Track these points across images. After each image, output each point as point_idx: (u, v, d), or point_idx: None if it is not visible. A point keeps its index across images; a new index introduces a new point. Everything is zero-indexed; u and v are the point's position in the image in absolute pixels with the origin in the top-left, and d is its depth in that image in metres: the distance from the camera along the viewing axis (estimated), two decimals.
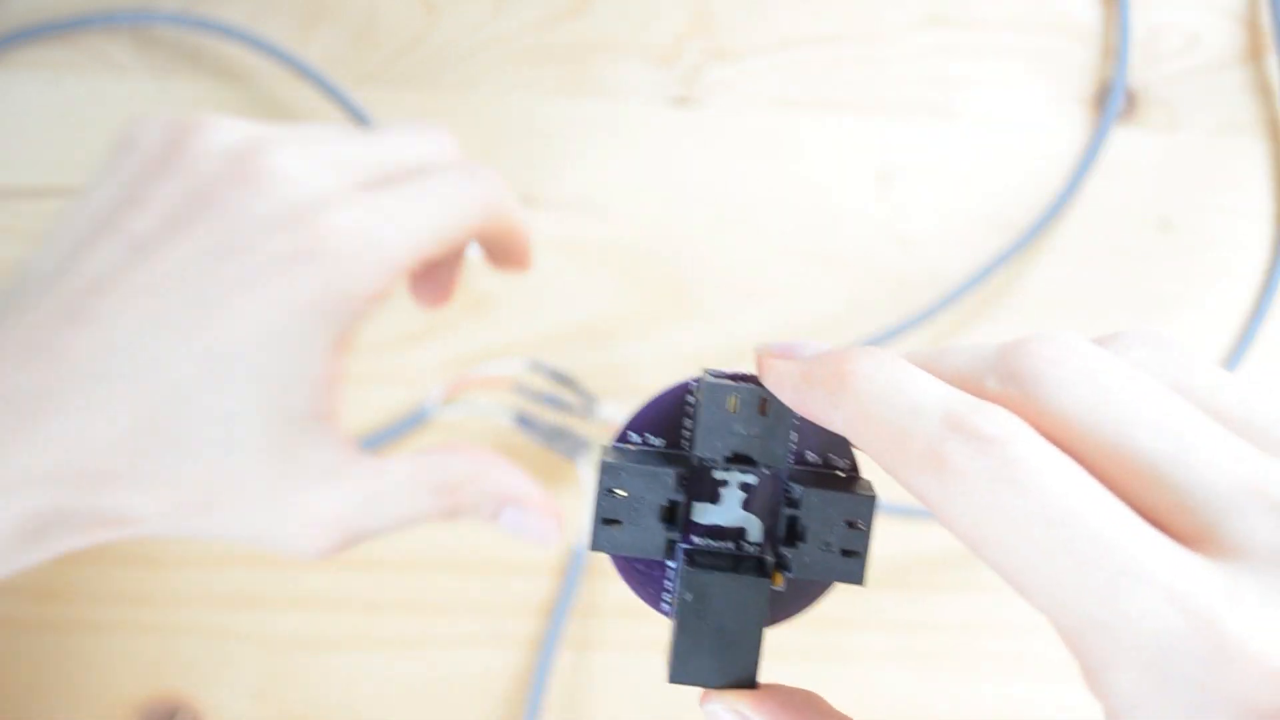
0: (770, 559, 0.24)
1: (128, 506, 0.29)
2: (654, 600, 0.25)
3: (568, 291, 0.46)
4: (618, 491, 0.24)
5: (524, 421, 0.45)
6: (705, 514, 0.24)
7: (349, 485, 0.30)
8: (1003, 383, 0.21)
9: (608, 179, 0.47)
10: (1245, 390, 0.21)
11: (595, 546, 0.24)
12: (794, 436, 0.24)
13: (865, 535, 0.24)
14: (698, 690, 0.24)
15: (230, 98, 0.46)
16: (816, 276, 0.47)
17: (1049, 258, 0.48)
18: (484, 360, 0.45)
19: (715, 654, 0.24)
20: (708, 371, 0.24)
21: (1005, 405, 0.20)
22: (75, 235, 0.31)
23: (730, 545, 0.24)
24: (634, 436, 0.25)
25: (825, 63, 0.48)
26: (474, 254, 0.36)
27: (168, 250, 0.30)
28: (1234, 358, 0.48)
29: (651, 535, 0.24)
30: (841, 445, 0.25)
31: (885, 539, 0.46)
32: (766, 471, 0.24)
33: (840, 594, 0.46)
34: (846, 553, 0.24)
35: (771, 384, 0.23)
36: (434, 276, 0.36)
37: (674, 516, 0.24)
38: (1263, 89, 0.49)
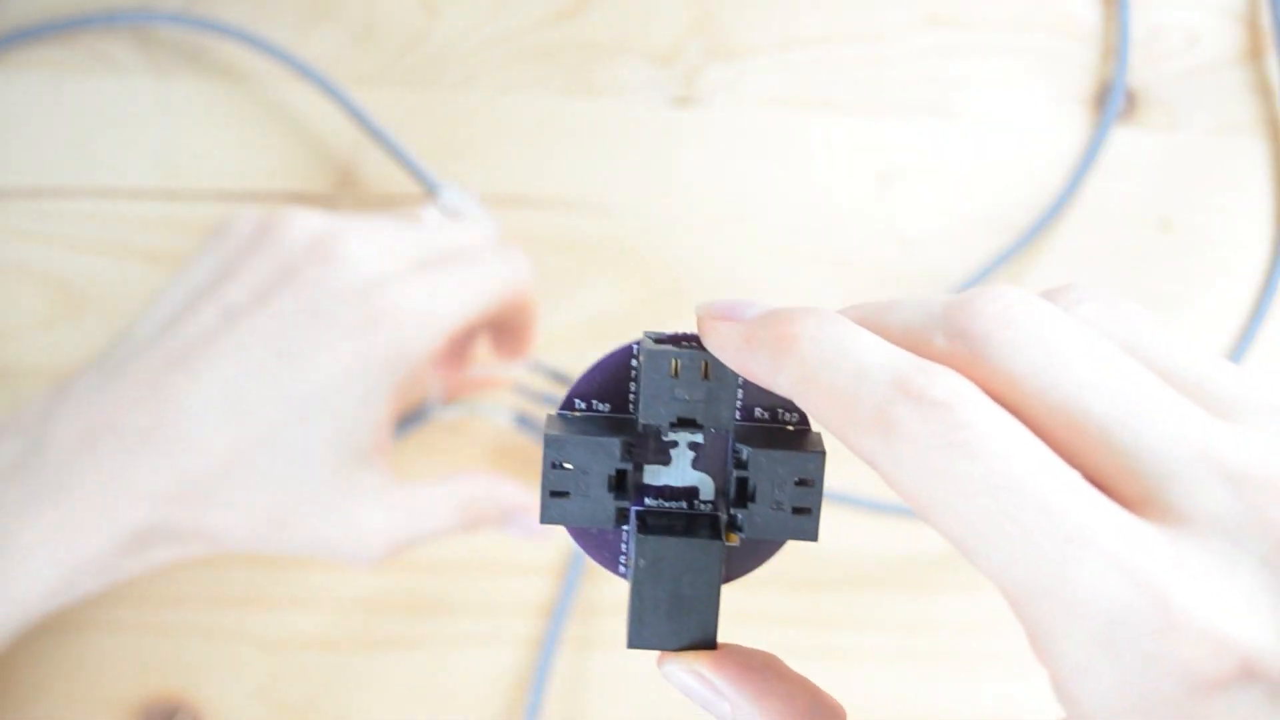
0: (724, 517, 0.24)
1: (217, 525, 0.36)
2: (611, 564, 0.25)
3: (568, 291, 0.46)
4: (564, 465, 0.23)
5: (523, 421, 0.45)
6: (656, 475, 0.24)
7: (396, 505, 0.38)
8: (950, 340, 0.20)
9: (608, 179, 0.47)
10: (1196, 352, 0.20)
11: (545, 519, 0.23)
12: (740, 394, 0.24)
13: (816, 492, 0.23)
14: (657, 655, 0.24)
15: (231, 98, 0.46)
16: (816, 276, 0.47)
17: (1049, 258, 0.48)
18: (483, 360, 0.45)
19: (672, 617, 0.23)
20: (648, 334, 0.24)
21: (953, 365, 0.20)
22: (176, 304, 0.38)
23: (683, 505, 0.24)
24: (579, 404, 0.24)
25: (825, 63, 0.48)
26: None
27: (257, 315, 0.37)
28: (1234, 357, 0.48)
29: (601, 505, 0.23)
30: (790, 400, 0.24)
31: (885, 539, 0.46)
32: (714, 432, 0.24)
33: (841, 594, 0.46)
34: (798, 510, 0.23)
35: (713, 346, 0.23)
36: (509, 334, 0.43)
37: (623, 484, 0.23)
38: (1263, 89, 0.49)
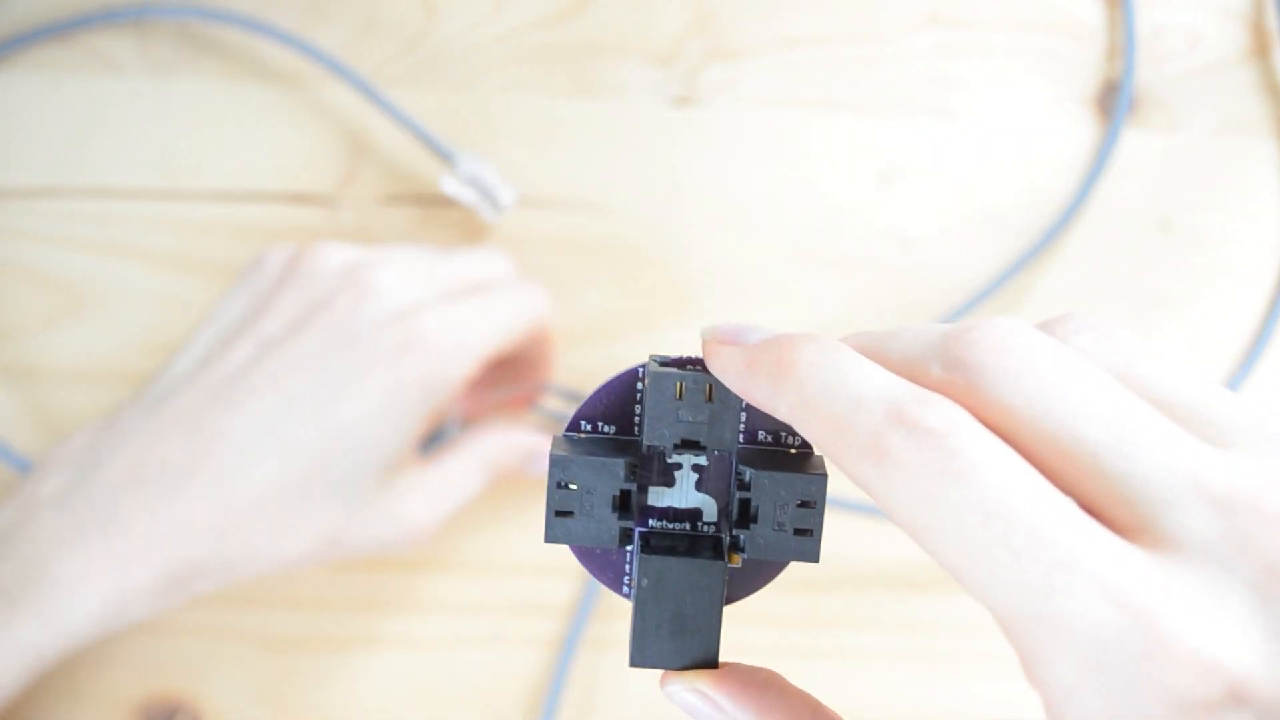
0: (726, 538, 0.24)
1: (269, 551, 0.38)
2: (615, 584, 0.25)
3: (568, 291, 0.46)
4: (569, 485, 0.24)
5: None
6: (660, 497, 0.25)
7: (433, 489, 0.40)
8: (946, 370, 0.21)
9: (608, 179, 0.47)
10: (1189, 379, 0.21)
11: (550, 539, 0.24)
12: (743, 417, 0.25)
13: (818, 513, 0.24)
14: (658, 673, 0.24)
15: (231, 98, 0.46)
16: (817, 277, 0.47)
17: (1050, 259, 0.48)
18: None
19: (675, 636, 0.24)
20: (653, 358, 0.24)
21: (948, 393, 0.20)
22: (213, 339, 0.40)
23: (686, 526, 0.25)
24: (585, 425, 0.25)
25: (825, 63, 0.48)
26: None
27: (292, 346, 0.38)
28: (1243, 360, 0.47)
29: (605, 525, 0.24)
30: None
31: (885, 539, 0.46)
32: (717, 454, 0.24)
33: (841, 595, 0.46)
34: (800, 531, 0.24)
35: (716, 370, 0.23)
36: (529, 362, 0.44)
37: (627, 505, 0.24)
38: (1267, 89, 0.49)
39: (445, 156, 0.45)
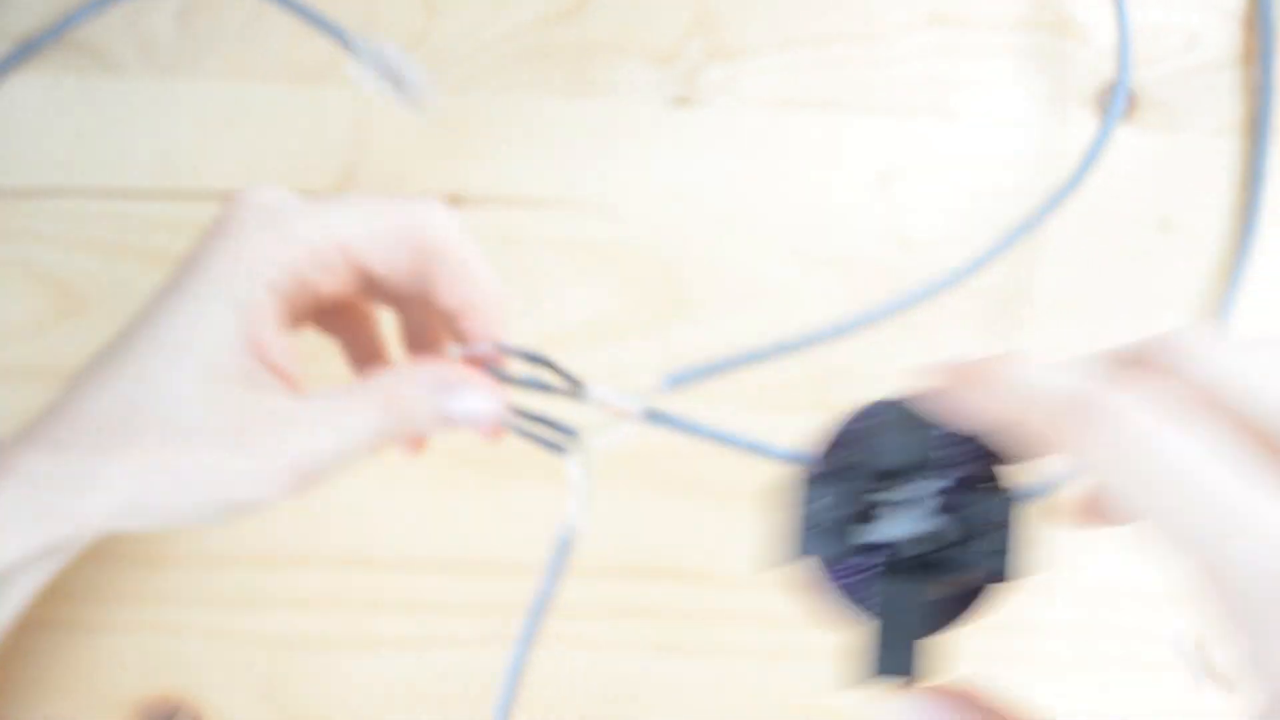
0: (949, 561, 0.27)
1: (93, 510, 0.31)
2: (839, 602, 0.28)
3: (568, 291, 0.46)
4: (809, 505, 0.27)
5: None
6: (887, 522, 0.27)
7: (296, 421, 0.31)
8: (1146, 358, 0.24)
9: (607, 179, 0.47)
10: None
11: (789, 555, 0.27)
12: (955, 447, 0.27)
13: (1023, 533, 0.26)
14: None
15: (231, 98, 0.46)
16: (817, 276, 0.47)
17: (1049, 258, 0.48)
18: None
19: (893, 654, 0.26)
20: (879, 402, 0.28)
21: (1149, 377, 0.23)
22: None
23: (910, 550, 0.27)
24: (819, 454, 0.28)
25: (825, 63, 0.48)
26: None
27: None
28: None
29: (839, 543, 0.27)
30: (1000, 447, 0.27)
31: None
32: (936, 481, 0.27)
33: None
34: (1009, 553, 0.26)
35: (941, 401, 0.26)
36: (462, 311, 0.35)
37: (860, 525, 0.27)
38: (1265, 89, 0.49)
39: (345, 44, 0.42)
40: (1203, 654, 0.46)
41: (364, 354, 0.39)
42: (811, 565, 0.27)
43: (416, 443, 0.37)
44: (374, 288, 0.35)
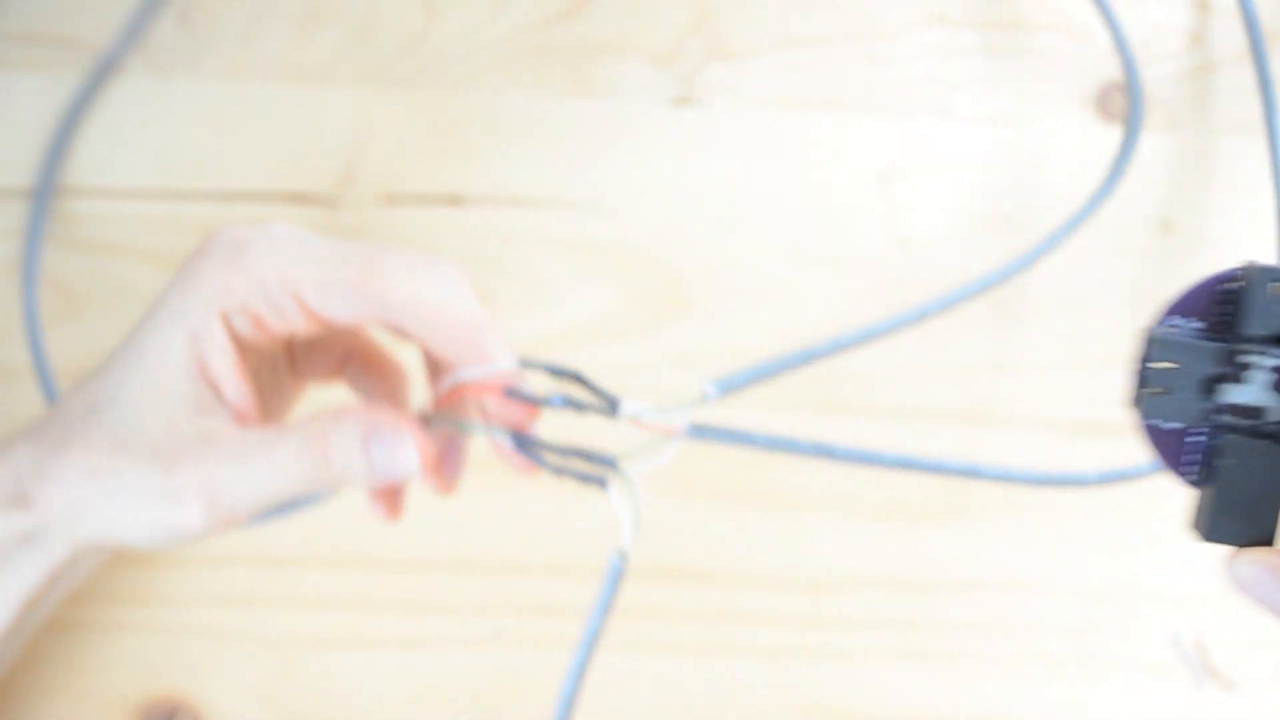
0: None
1: (59, 469, 0.32)
2: (1175, 464, 0.28)
3: (568, 291, 0.46)
4: (1160, 364, 0.27)
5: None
6: (1231, 392, 0.27)
7: (221, 449, 0.31)
8: None
9: (608, 179, 0.47)
10: None
11: (1141, 413, 0.27)
12: None
13: None
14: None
15: (231, 98, 0.46)
16: (817, 277, 0.47)
17: (1048, 258, 0.48)
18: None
19: (1244, 517, 0.27)
20: (1252, 263, 0.27)
21: None
22: None
23: (1251, 422, 0.27)
24: (1176, 320, 0.28)
25: (825, 63, 0.48)
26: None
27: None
28: None
29: (1192, 405, 0.27)
30: None
31: (885, 539, 0.46)
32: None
33: (841, 594, 0.46)
34: None
35: None
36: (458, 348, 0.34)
37: (1211, 390, 0.27)
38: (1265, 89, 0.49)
39: None
40: (1203, 654, 0.46)
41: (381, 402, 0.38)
42: (1169, 417, 0.27)
43: (446, 484, 0.35)
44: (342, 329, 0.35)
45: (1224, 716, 0.46)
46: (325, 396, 0.38)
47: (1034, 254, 0.44)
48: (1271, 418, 0.27)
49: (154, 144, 0.46)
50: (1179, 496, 0.47)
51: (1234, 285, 0.27)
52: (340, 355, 0.38)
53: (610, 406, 0.32)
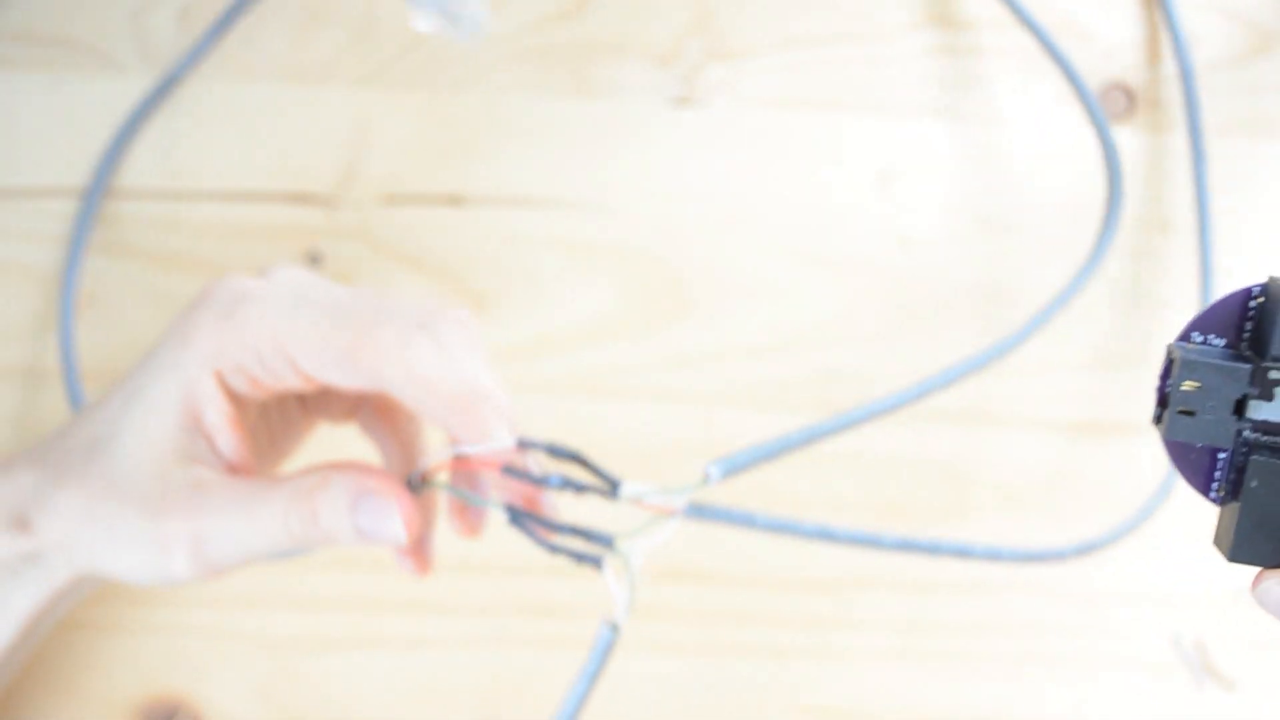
0: None
1: (56, 500, 0.32)
2: (1204, 485, 0.28)
3: (568, 291, 0.46)
4: (1189, 384, 0.26)
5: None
6: (1259, 410, 0.27)
7: (209, 499, 0.32)
8: None
9: (608, 179, 0.47)
10: None
11: (1171, 435, 0.27)
12: None
13: None
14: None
15: (231, 98, 0.46)
16: (817, 277, 0.47)
17: (1048, 258, 0.48)
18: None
19: (1273, 537, 0.26)
20: (1274, 277, 0.26)
21: None
22: None
23: (1278, 439, 0.27)
24: (1197, 337, 0.27)
25: (825, 63, 0.48)
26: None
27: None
28: None
29: (1222, 426, 0.26)
30: None
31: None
32: None
33: (841, 594, 0.46)
34: None
35: None
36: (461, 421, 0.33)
37: (1241, 410, 0.26)
38: (1265, 89, 0.49)
39: None
40: (1203, 654, 0.46)
41: (395, 457, 0.38)
42: (1194, 437, 0.27)
43: (424, 563, 0.36)
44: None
45: (1224, 716, 0.46)
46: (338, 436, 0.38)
47: (1031, 326, 0.43)
48: None
49: (154, 144, 0.46)
50: (1180, 497, 0.47)
51: (1257, 301, 0.27)
52: (354, 400, 0.38)
53: (611, 488, 0.31)
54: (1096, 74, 0.48)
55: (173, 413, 0.32)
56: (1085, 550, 0.41)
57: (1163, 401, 0.27)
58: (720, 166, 0.47)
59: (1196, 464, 0.28)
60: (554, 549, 0.32)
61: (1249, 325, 0.27)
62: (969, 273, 0.47)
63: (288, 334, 0.32)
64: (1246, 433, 0.27)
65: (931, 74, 0.48)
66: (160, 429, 0.32)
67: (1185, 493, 0.30)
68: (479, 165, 0.46)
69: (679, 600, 0.45)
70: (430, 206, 0.46)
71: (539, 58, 0.47)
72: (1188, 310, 0.48)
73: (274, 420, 0.37)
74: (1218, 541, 0.27)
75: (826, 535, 0.32)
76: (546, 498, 0.34)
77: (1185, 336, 0.27)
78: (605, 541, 0.32)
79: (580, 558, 0.32)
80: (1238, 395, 0.26)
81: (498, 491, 0.34)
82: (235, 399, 0.33)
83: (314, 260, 0.46)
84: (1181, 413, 0.26)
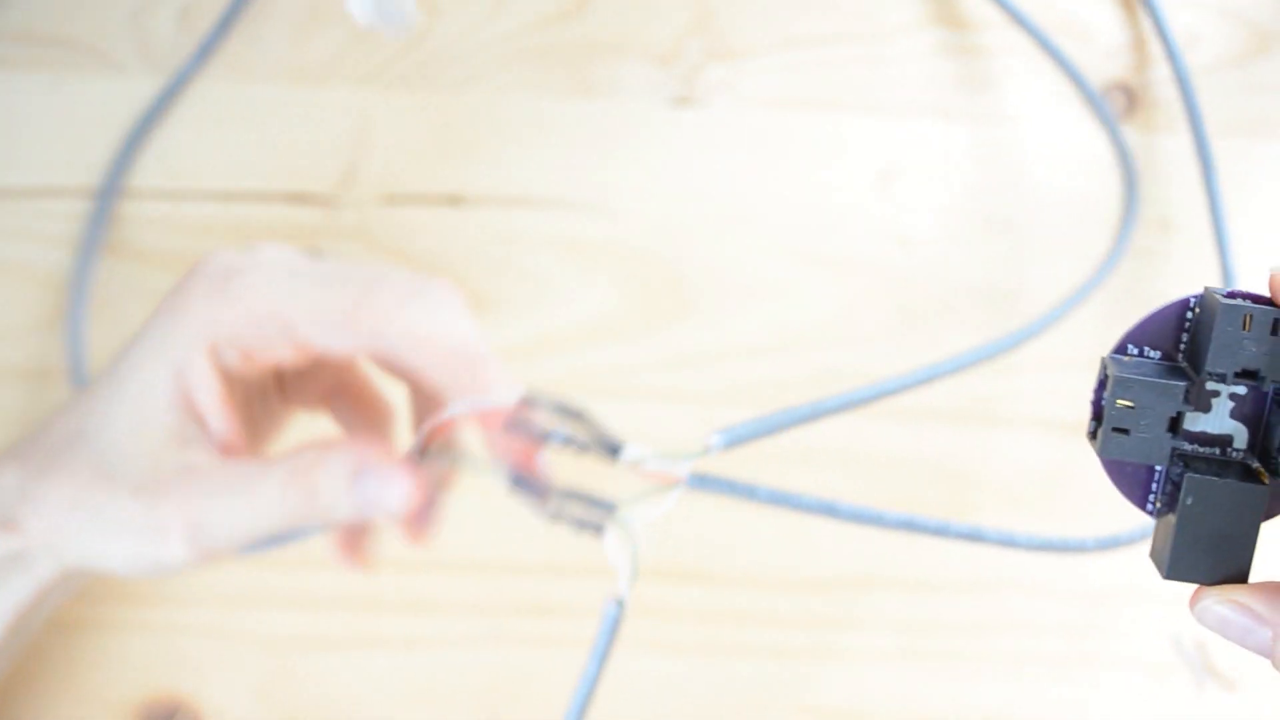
0: (1255, 464, 0.26)
1: (41, 495, 0.32)
2: (1140, 501, 0.27)
3: (568, 291, 0.46)
4: (1123, 402, 0.26)
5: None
6: (1195, 421, 0.26)
7: (205, 481, 0.31)
8: None
9: (608, 179, 0.47)
10: None
11: (1106, 453, 0.26)
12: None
13: None
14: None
15: (231, 98, 0.46)
16: (817, 277, 0.47)
17: (1048, 258, 0.48)
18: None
19: (1210, 553, 0.26)
20: (1209, 289, 0.26)
21: None
22: None
23: (1216, 451, 0.27)
24: (1132, 349, 0.27)
25: (825, 63, 0.48)
26: None
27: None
28: None
29: (1157, 443, 0.26)
30: None
31: (885, 539, 0.46)
32: (1269, 387, 0.26)
33: (841, 594, 0.46)
34: None
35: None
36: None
37: (1176, 426, 0.26)
38: (1265, 89, 0.49)
39: None
40: (1203, 654, 0.46)
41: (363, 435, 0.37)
42: (1129, 454, 0.26)
43: (421, 534, 0.34)
44: (329, 361, 0.34)
45: (1224, 716, 0.46)
46: (313, 426, 0.38)
47: (1045, 320, 0.43)
48: (1237, 445, 0.27)
49: (154, 144, 0.46)
50: None
51: (1194, 313, 0.27)
52: (329, 386, 0.37)
53: (612, 450, 0.31)
54: (1097, 74, 0.48)
55: (164, 394, 0.31)
56: (1109, 545, 0.40)
57: (1098, 415, 0.26)
58: (720, 166, 0.47)
59: (1133, 477, 0.27)
60: (555, 515, 0.31)
61: (1185, 337, 0.27)
62: (969, 273, 0.47)
63: (286, 299, 0.31)
64: (1183, 445, 0.27)
65: (931, 74, 0.48)
66: (151, 411, 0.31)
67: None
68: (479, 165, 0.46)
69: (680, 600, 0.45)
70: (430, 206, 0.46)
71: (539, 58, 0.47)
72: None
73: (254, 408, 0.36)
74: (1154, 556, 0.27)
75: (829, 511, 0.31)
76: (542, 462, 0.33)
77: (1121, 349, 0.27)
78: (607, 508, 0.31)
79: (581, 524, 0.31)
80: (1173, 413, 0.26)
81: (495, 461, 0.33)
82: (226, 378, 0.33)
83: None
84: (1116, 430, 0.26)
